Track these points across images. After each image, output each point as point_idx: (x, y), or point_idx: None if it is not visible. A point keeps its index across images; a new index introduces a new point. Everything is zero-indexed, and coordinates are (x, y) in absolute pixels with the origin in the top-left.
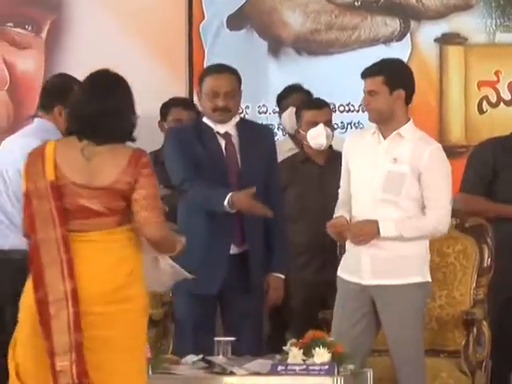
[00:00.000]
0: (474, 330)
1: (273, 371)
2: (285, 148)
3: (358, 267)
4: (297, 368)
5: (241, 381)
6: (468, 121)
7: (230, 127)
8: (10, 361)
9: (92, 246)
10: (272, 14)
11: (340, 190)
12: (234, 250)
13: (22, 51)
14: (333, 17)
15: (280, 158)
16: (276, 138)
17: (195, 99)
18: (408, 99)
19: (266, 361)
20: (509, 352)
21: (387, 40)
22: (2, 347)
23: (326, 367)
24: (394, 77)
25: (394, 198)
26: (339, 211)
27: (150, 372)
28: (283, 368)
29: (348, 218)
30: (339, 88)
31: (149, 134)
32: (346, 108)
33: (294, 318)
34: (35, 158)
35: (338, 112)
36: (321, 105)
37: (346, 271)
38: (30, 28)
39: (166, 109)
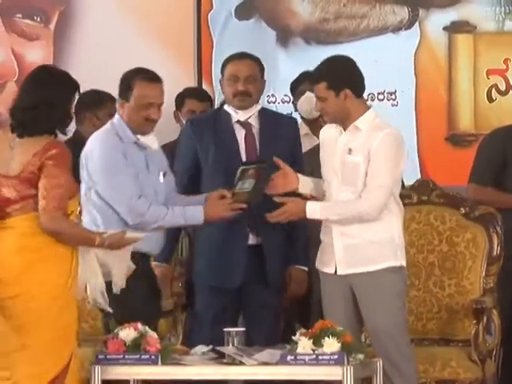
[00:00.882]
0: (484, 318)
1: (282, 361)
2: (300, 133)
3: (332, 258)
4: (306, 358)
5: (250, 371)
6: (477, 109)
7: (251, 116)
8: None
9: (9, 232)
10: (280, 3)
11: None
12: (252, 240)
13: (30, 42)
14: (341, 6)
15: None
16: None
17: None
18: (357, 93)
19: (276, 351)
20: None
21: (396, 29)
22: None
23: (336, 357)
24: (335, 79)
25: (351, 189)
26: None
27: (160, 362)
28: (293, 358)
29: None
30: None
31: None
32: None
33: (315, 311)
34: None
35: None
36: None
37: (323, 263)
38: (38, 19)
39: (180, 99)
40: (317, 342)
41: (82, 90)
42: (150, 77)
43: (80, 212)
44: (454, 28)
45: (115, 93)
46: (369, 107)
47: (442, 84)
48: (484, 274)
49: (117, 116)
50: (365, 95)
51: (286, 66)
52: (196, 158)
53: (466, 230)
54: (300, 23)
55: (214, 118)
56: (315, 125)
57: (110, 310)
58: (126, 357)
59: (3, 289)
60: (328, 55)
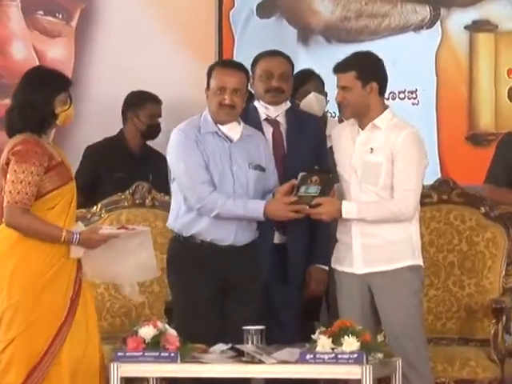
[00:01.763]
0: (504, 318)
1: (302, 360)
2: None
3: (351, 257)
4: (325, 357)
5: (270, 369)
6: (498, 109)
7: (279, 114)
8: None
9: None
10: (302, 1)
11: None
12: (278, 239)
13: (52, 39)
14: (363, 4)
15: None
16: None
17: None
18: (382, 90)
19: (295, 349)
20: None
21: (417, 27)
22: None
23: (355, 356)
24: (365, 70)
25: (372, 188)
26: None
27: (179, 360)
28: (312, 357)
29: None
30: None
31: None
32: None
33: (332, 310)
34: None
35: None
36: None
37: (340, 262)
38: (60, 16)
39: None
40: (336, 340)
41: (103, 88)
42: (226, 63)
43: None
44: (476, 27)
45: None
46: (387, 107)
47: (463, 83)
48: (504, 273)
49: (207, 108)
50: (386, 94)
51: (306, 64)
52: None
53: (485, 230)
54: (321, 21)
55: (242, 116)
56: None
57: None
58: (146, 354)
59: None
60: (349, 54)
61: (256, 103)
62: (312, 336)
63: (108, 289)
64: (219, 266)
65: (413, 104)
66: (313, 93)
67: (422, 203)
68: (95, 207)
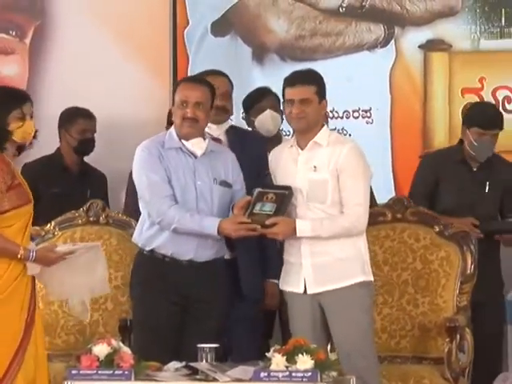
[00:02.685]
0: (457, 336)
1: (255, 378)
2: None
3: (300, 277)
4: (280, 375)
5: None
6: (452, 127)
7: (221, 132)
8: None
9: None
10: (256, 20)
11: None
12: (227, 254)
13: (5, 57)
14: (317, 23)
15: None
16: None
17: None
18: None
19: (249, 367)
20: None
21: (371, 46)
22: None
23: (309, 374)
24: (322, 87)
25: (320, 206)
26: None
27: (133, 378)
28: (266, 375)
29: None
30: None
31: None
32: (330, 115)
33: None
34: None
35: None
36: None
37: (290, 283)
38: (13, 33)
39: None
40: (290, 359)
41: (57, 105)
42: (190, 78)
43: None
44: (430, 46)
45: (92, 108)
46: (323, 124)
47: (417, 102)
48: (457, 292)
49: (173, 124)
50: (340, 112)
51: (261, 82)
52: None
53: (439, 248)
54: (276, 40)
55: None
56: (272, 143)
57: (86, 320)
58: (99, 372)
59: None
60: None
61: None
62: (266, 354)
63: (62, 306)
64: (180, 282)
65: (367, 123)
66: (268, 110)
67: (377, 222)
68: (49, 225)
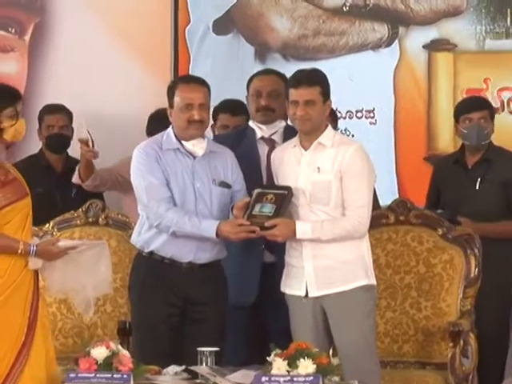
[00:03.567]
0: (461, 341)
1: (256, 382)
2: None
3: (302, 280)
4: (281, 379)
5: None
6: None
7: (275, 132)
8: None
9: None
10: (259, 19)
11: None
12: (267, 257)
13: (4, 54)
14: (320, 22)
15: None
16: None
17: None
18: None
19: (250, 371)
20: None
21: (375, 46)
22: None
23: (311, 378)
24: (327, 87)
25: (324, 208)
26: None
27: (132, 381)
28: (267, 379)
29: None
30: None
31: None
32: None
33: None
34: None
35: None
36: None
37: (291, 286)
38: (13, 30)
39: (214, 113)
40: (292, 363)
41: (56, 102)
42: (189, 79)
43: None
44: (434, 46)
45: (92, 106)
46: (327, 125)
47: (422, 103)
48: (461, 296)
49: (171, 125)
50: (343, 113)
51: None
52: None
53: (443, 252)
54: (279, 39)
55: (240, 135)
56: None
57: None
58: (98, 376)
59: None
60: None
61: (250, 123)
62: (267, 358)
63: (60, 308)
64: (179, 284)
65: (370, 123)
66: None
67: (379, 224)
68: (47, 225)
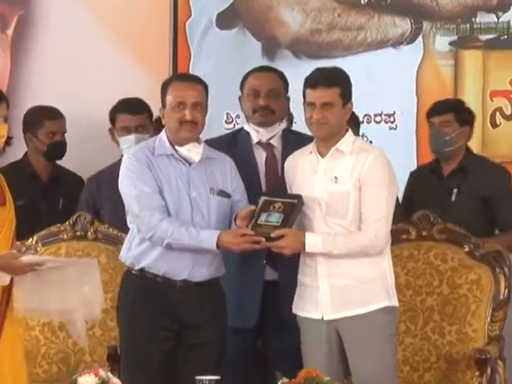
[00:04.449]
0: (488, 370)
1: None
2: None
3: (316, 301)
4: None
5: None
6: (486, 134)
7: (273, 136)
8: None
9: None
10: (267, 12)
11: None
12: (270, 275)
13: None
14: (335, 16)
15: None
16: None
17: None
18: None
19: None
20: None
21: (396, 42)
22: None
23: None
24: (347, 88)
25: (340, 222)
26: None
27: None
28: None
29: None
30: None
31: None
32: None
33: None
34: None
35: None
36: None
37: (304, 308)
38: None
39: (112, 115)
40: None
41: (42, 101)
42: (183, 77)
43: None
44: (462, 43)
45: (82, 106)
46: (347, 129)
47: None
48: (489, 319)
49: (164, 128)
50: (360, 117)
51: None
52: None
53: (469, 271)
54: (289, 34)
55: (231, 140)
56: None
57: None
58: None
59: None
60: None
61: (246, 126)
62: None
63: (43, 331)
64: (173, 305)
65: (390, 128)
66: None
67: (399, 240)
68: (30, 240)
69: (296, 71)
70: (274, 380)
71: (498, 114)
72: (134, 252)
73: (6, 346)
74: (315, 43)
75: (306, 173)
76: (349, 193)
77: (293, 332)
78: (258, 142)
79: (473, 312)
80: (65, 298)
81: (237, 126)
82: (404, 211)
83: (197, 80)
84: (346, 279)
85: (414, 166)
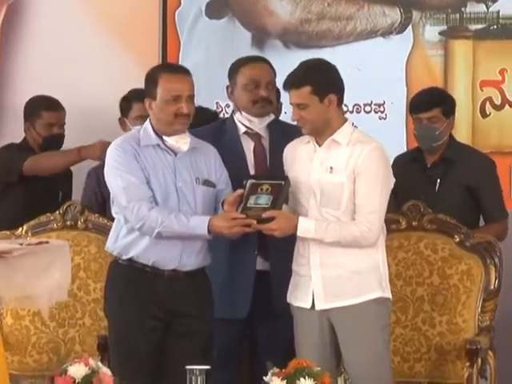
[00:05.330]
0: (479, 360)
1: None
2: None
3: (309, 291)
4: None
5: None
6: (475, 124)
7: (261, 127)
8: None
9: None
10: (257, 1)
11: None
12: (261, 265)
13: None
14: (325, 5)
15: None
16: None
17: None
18: (340, 100)
19: None
20: None
21: (386, 32)
22: None
23: None
24: (321, 83)
25: (334, 213)
26: None
27: None
28: None
29: None
30: None
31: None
32: None
33: None
34: None
35: None
36: None
37: (297, 297)
38: None
39: (126, 104)
40: (291, 383)
41: (31, 92)
42: (175, 68)
43: None
44: (452, 33)
45: (70, 99)
46: (346, 119)
47: None
48: (480, 310)
49: (148, 119)
50: (350, 106)
51: None
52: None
53: (460, 261)
54: (278, 24)
55: (219, 130)
56: None
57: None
58: None
59: None
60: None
61: (238, 116)
62: (264, 378)
63: (34, 321)
64: (162, 295)
65: (380, 118)
66: None
67: (389, 230)
68: (20, 229)
69: (286, 61)
70: (265, 370)
71: (487, 103)
72: (122, 242)
73: None
74: (305, 33)
75: (303, 161)
76: (343, 184)
77: (284, 322)
78: (246, 132)
79: (463, 302)
80: (30, 284)
81: (226, 115)
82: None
83: (186, 71)
84: (338, 270)
85: None
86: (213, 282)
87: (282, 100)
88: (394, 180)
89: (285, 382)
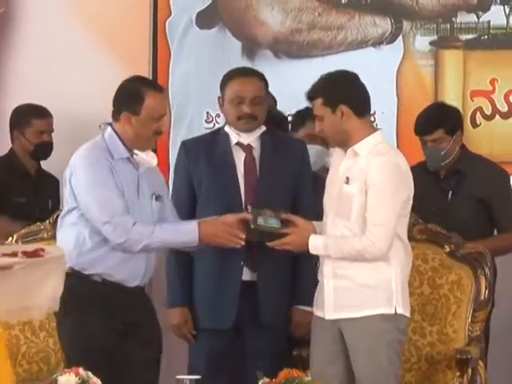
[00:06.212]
0: (469, 370)
1: None
2: None
3: (322, 300)
4: None
5: None
6: (466, 135)
7: (252, 139)
8: None
9: None
10: (247, 11)
11: None
12: (247, 275)
13: None
14: (316, 15)
15: None
16: None
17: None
18: (357, 111)
19: None
20: None
21: (377, 42)
22: None
23: None
24: (331, 94)
25: (346, 223)
26: None
27: None
28: None
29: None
30: None
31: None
32: None
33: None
34: None
35: None
36: None
37: (317, 305)
38: None
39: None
40: None
41: (21, 100)
42: (159, 87)
43: None
44: (442, 43)
45: (60, 107)
46: (375, 129)
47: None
48: (470, 320)
49: (109, 130)
50: None
51: None
52: (191, 187)
53: (450, 271)
54: (269, 34)
55: (210, 140)
56: None
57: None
58: None
59: None
60: (300, 70)
61: (227, 128)
62: None
63: (23, 331)
64: (121, 307)
65: None
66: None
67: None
68: (10, 239)
69: (276, 71)
70: (255, 380)
71: (478, 113)
72: (88, 257)
73: None
74: (295, 43)
75: (334, 170)
76: (354, 195)
77: (272, 332)
78: (237, 143)
79: (453, 312)
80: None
81: (217, 126)
82: None
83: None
84: (348, 282)
85: None
86: (199, 291)
87: None
88: (409, 192)
89: None
